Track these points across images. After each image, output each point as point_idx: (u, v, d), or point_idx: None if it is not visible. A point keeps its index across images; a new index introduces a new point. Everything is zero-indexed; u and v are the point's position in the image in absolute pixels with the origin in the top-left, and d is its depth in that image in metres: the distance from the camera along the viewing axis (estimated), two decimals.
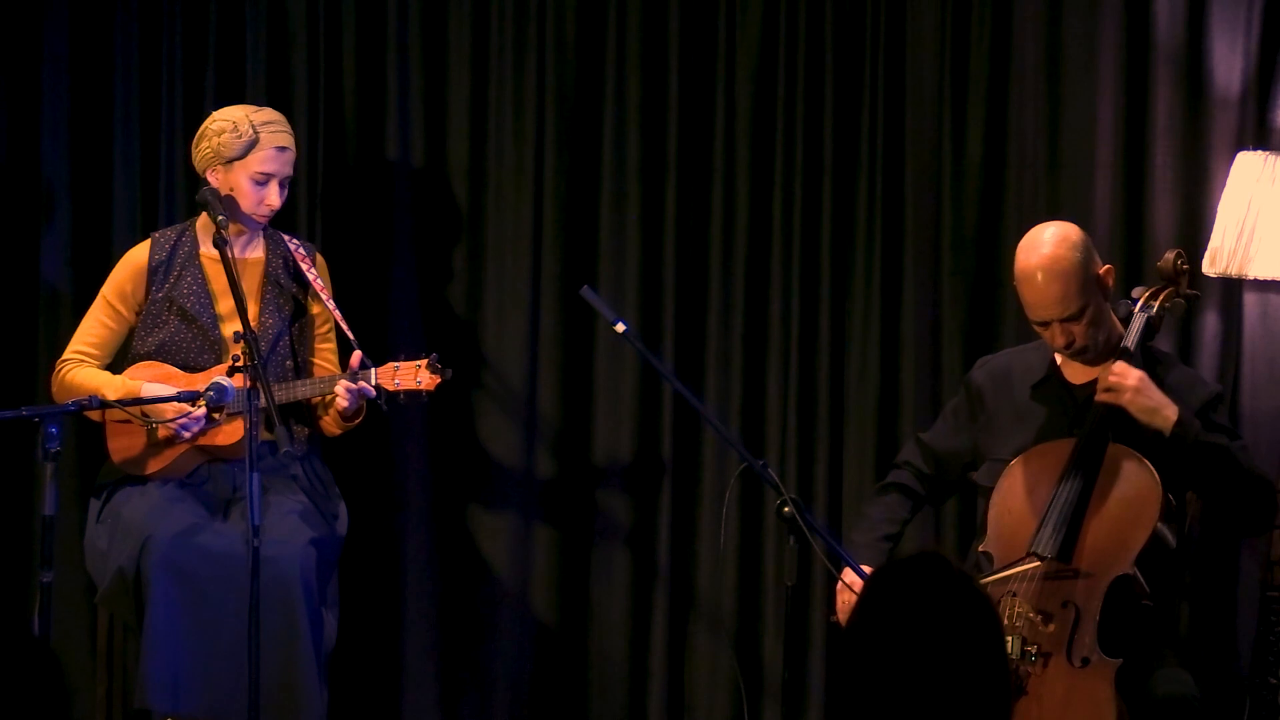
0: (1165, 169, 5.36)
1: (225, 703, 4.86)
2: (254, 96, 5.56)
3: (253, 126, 5.10)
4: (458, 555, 5.70)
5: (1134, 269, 5.29)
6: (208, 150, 5.11)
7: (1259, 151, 5.09)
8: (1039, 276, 4.58)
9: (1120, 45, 5.38)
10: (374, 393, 4.97)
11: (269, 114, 5.17)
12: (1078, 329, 4.60)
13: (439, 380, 4.97)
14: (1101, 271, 4.64)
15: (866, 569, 4.59)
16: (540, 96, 5.65)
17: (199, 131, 5.16)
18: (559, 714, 5.71)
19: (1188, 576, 4.81)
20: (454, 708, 5.71)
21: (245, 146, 5.09)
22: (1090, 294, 4.59)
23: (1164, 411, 4.52)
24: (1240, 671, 5.16)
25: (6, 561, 5.62)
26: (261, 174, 5.10)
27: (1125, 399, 4.52)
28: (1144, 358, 4.67)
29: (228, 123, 5.11)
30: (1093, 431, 4.57)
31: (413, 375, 4.96)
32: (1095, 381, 4.62)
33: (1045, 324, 4.63)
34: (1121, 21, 5.37)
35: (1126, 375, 4.53)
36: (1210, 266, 5.09)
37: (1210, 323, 5.32)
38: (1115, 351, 4.64)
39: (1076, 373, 4.72)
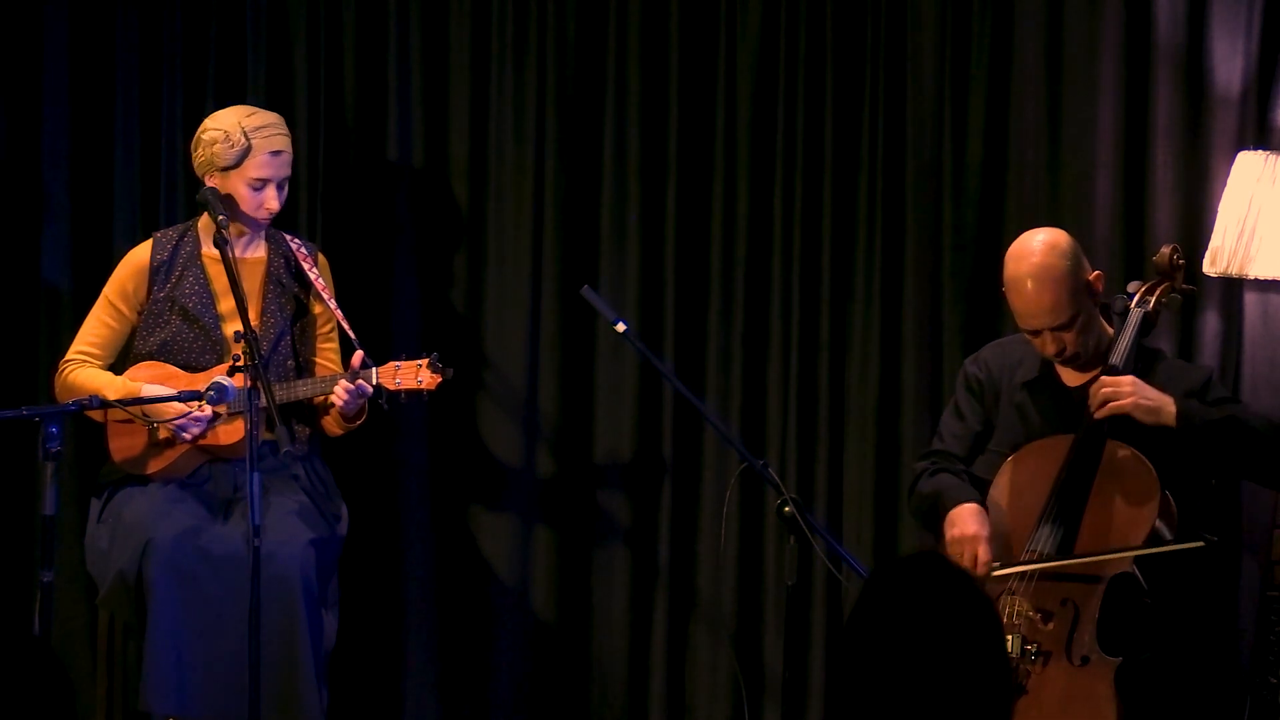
0: (1165, 169, 5.35)
1: (227, 704, 4.86)
2: (254, 96, 5.56)
3: (245, 134, 5.08)
4: (458, 555, 5.70)
5: (1134, 269, 5.28)
6: (203, 158, 5.11)
7: (1259, 151, 5.09)
8: (1029, 285, 4.59)
9: (1120, 45, 5.37)
10: (372, 391, 4.97)
11: (262, 117, 5.15)
12: (1068, 337, 4.60)
13: (440, 379, 4.97)
14: (1091, 278, 4.64)
15: (972, 505, 4.59)
16: (540, 96, 5.65)
17: (195, 137, 5.15)
18: (559, 714, 5.71)
19: (1187, 576, 4.81)
20: (454, 707, 5.71)
21: (239, 155, 5.08)
22: (1081, 302, 4.59)
23: (1165, 407, 4.52)
24: (1240, 671, 5.16)
25: (6, 561, 5.62)
26: (257, 180, 5.09)
27: (1128, 406, 4.52)
28: (1136, 353, 4.67)
29: (219, 132, 5.09)
30: (1090, 429, 4.57)
31: (414, 374, 4.96)
32: (1088, 384, 4.61)
33: (1036, 332, 4.63)
34: (1121, 21, 5.37)
35: (1120, 384, 4.53)
36: (1211, 266, 5.09)
37: (1210, 322, 5.32)
38: (1104, 358, 4.64)
39: (1070, 374, 4.72)
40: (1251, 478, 4.88)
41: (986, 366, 4.84)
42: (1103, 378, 4.57)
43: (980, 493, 4.70)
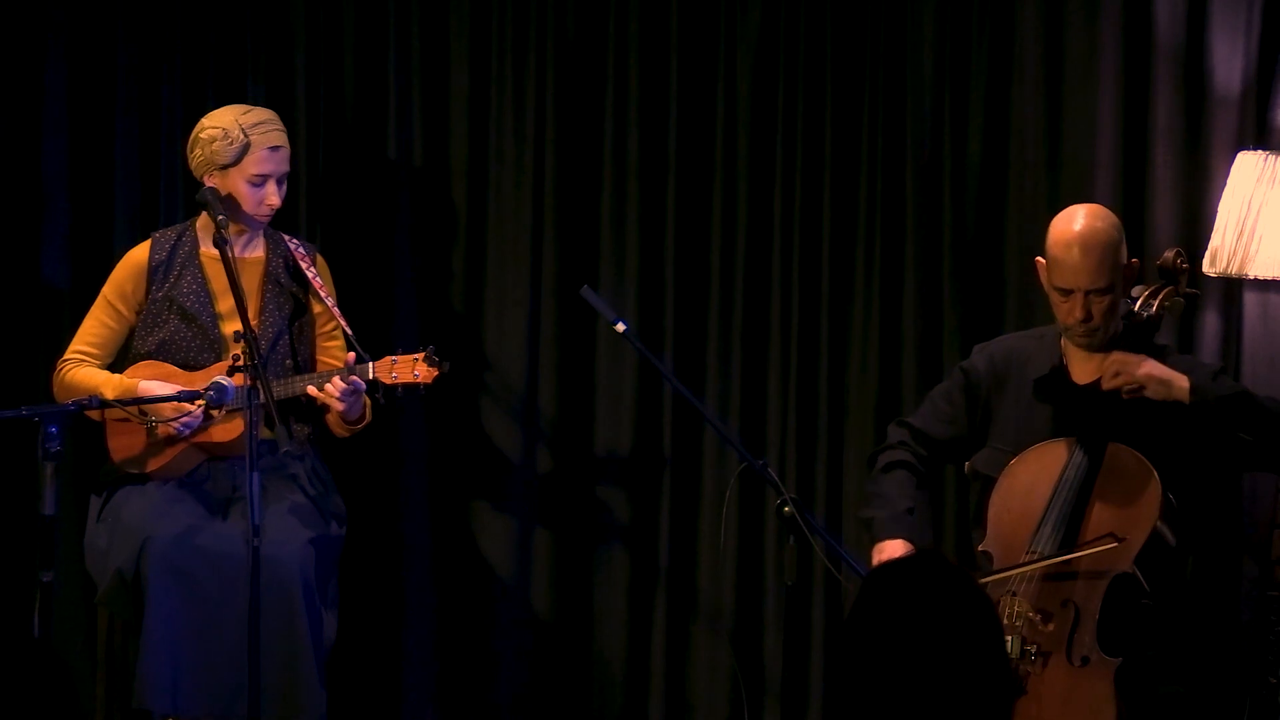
0: (1165, 169, 5.36)
1: (224, 703, 4.87)
2: (254, 96, 5.56)
3: (243, 131, 5.09)
4: (458, 555, 5.71)
5: None
6: (201, 157, 5.11)
7: (1259, 151, 5.10)
8: (1075, 246, 4.60)
9: (1120, 45, 5.38)
10: (365, 386, 4.96)
11: (259, 114, 5.16)
12: (1100, 305, 4.60)
13: (437, 373, 4.95)
14: (1128, 261, 4.66)
15: (900, 542, 4.60)
16: (540, 96, 5.65)
17: (191, 137, 5.15)
18: (559, 714, 5.71)
19: (1188, 575, 4.81)
20: (454, 707, 5.72)
21: (238, 152, 5.08)
22: (1118, 274, 4.62)
23: (1177, 381, 4.53)
24: (1240, 671, 5.16)
25: (6, 561, 5.62)
26: (257, 176, 5.09)
27: (1140, 377, 4.52)
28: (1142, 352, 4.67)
29: (217, 130, 5.09)
30: (1093, 430, 4.57)
31: (410, 368, 4.95)
32: (1098, 381, 4.61)
33: (1069, 292, 4.61)
34: (1121, 21, 5.37)
35: (1131, 358, 4.54)
36: (1210, 266, 5.09)
37: (1210, 322, 5.32)
38: (1116, 347, 4.64)
39: (1081, 372, 4.72)
40: (1259, 458, 4.83)
41: (992, 362, 4.83)
42: (1112, 355, 4.57)
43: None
